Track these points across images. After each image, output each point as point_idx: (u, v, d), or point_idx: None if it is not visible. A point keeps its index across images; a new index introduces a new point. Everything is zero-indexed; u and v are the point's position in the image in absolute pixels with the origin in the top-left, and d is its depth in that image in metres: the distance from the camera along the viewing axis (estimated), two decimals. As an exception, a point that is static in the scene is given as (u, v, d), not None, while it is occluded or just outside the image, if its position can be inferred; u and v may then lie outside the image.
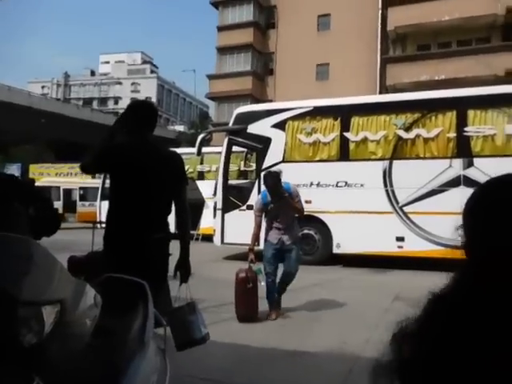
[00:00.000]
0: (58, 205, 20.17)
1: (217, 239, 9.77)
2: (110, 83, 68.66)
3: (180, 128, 51.73)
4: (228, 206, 9.60)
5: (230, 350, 3.99)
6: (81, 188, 22.58)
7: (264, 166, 9.25)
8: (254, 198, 9.24)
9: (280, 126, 9.37)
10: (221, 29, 29.07)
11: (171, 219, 2.77)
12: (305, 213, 5.36)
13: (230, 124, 10.01)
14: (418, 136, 8.49)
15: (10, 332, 1.05)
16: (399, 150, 8.64)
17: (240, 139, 9.71)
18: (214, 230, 9.87)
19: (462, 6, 20.27)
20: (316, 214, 8.65)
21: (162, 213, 2.76)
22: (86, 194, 22.21)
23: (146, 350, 1.56)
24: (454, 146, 8.28)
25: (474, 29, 21.12)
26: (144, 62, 73.87)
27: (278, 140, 9.30)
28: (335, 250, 8.97)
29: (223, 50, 28.93)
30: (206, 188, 12.69)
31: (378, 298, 5.96)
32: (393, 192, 8.53)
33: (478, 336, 0.57)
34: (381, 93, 21.82)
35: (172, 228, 2.81)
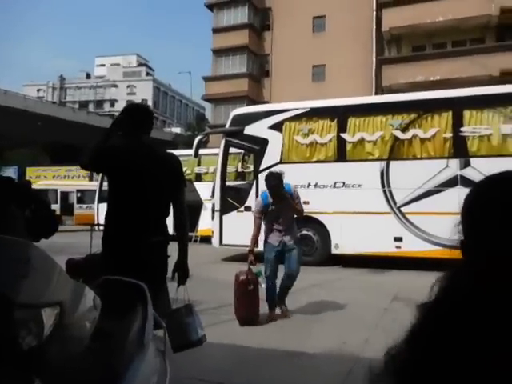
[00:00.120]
0: (56, 207, 20.10)
1: (215, 241, 9.77)
2: (106, 86, 68.60)
3: (177, 130, 51.72)
4: (226, 208, 9.60)
5: (229, 352, 3.99)
6: (78, 190, 22.52)
7: (261, 168, 9.28)
8: (252, 200, 9.28)
9: (277, 127, 9.38)
10: (216, 31, 29.07)
11: (169, 221, 2.77)
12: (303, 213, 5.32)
13: (227, 126, 10.01)
14: (414, 136, 8.51)
15: (9, 334, 1.04)
16: (396, 150, 8.66)
17: (237, 141, 9.72)
18: (212, 232, 9.87)
19: (456, 7, 20.35)
20: (314, 215, 8.65)
21: (161, 215, 2.75)
22: (84, 196, 22.15)
23: (145, 352, 1.56)
24: (450, 146, 8.31)
25: (468, 29, 21.20)
26: (140, 65, 73.85)
27: (275, 141, 9.31)
28: (334, 251, 8.98)
29: (219, 52, 28.93)
30: (203, 190, 12.68)
31: (377, 299, 5.97)
32: (390, 192, 8.54)
33: (478, 339, 0.57)
34: (377, 93, 21.87)
35: (170, 230, 2.80)
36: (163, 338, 1.99)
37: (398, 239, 8.42)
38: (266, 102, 23.34)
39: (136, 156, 2.71)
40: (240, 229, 9.10)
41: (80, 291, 1.45)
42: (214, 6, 29.13)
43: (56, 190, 21.72)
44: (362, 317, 5.09)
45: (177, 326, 2.51)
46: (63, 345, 1.20)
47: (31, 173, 28.58)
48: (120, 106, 46.81)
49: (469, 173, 7.89)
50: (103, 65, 73.76)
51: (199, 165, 15.14)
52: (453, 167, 8.14)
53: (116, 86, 67.88)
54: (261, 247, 5.26)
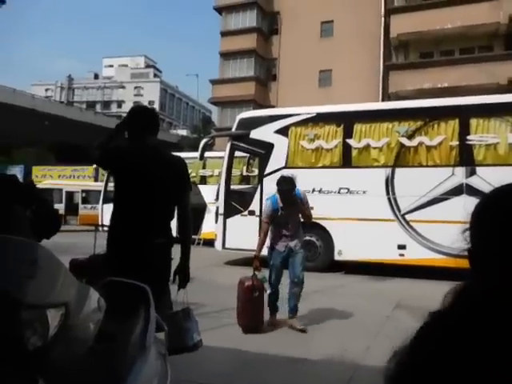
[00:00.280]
0: (60, 207, 20.19)
1: (218, 244, 9.76)
2: (114, 87, 68.95)
3: (183, 132, 51.90)
4: (230, 211, 9.60)
5: (231, 356, 3.99)
6: (83, 191, 22.59)
7: (266, 172, 9.28)
8: (256, 204, 9.29)
9: (283, 131, 9.38)
10: (224, 34, 29.19)
11: (173, 224, 2.78)
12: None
13: (233, 129, 10.03)
14: (420, 144, 8.49)
15: (15, 335, 1.05)
16: (402, 157, 8.63)
17: (243, 144, 9.73)
18: (216, 235, 9.86)
19: (465, 15, 20.33)
20: (318, 221, 8.62)
21: (165, 217, 2.76)
22: (89, 196, 22.22)
23: (147, 354, 1.56)
24: (456, 154, 8.27)
25: (476, 37, 21.16)
26: (147, 66, 74.24)
27: (281, 146, 9.32)
28: (337, 257, 8.95)
29: (226, 56, 29.04)
30: (208, 193, 12.70)
31: (379, 306, 5.95)
32: (395, 199, 8.51)
33: (485, 352, 0.56)
34: (383, 100, 21.85)
35: (173, 232, 2.82)
36: (164, 340, 1.99)
37: (402, 247, 8.38)
38: (273, 106, 23.41)
39: (142, 158, 2.72)
40: (243, 233, 9.12)
41: (85, 292, 1.46)
42: (223, 9, 29.26)
43: (61, 190, 21.80)
44: (364, 324, 5.07)
45: (173, 329, 2.52)
46: (67, 346, 1.21)
47: (37, 172, 28.71)
48: (127, 107, 46.98)
49: (474, 181, 7.84)
50: (111, 66, 74.19)
51: (204, 167, 15.16)
52: (458, 175, 8.10)
53: (123, 87, 68.23)
54: (264, 252, 5.11)
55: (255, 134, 9.50)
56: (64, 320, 1.18)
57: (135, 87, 68.31)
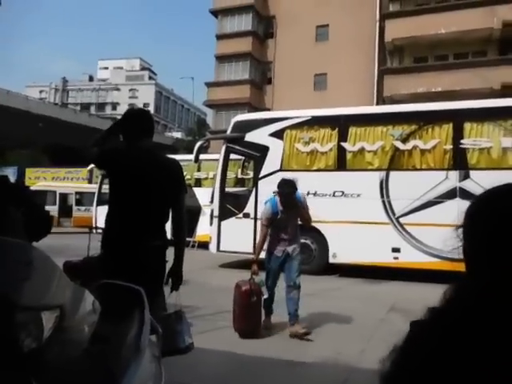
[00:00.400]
0: (54, 209, 20.09)
1: (213, 247, 9.75)
2: (108, 89, 68.77)
3: (177, 135, 51.83)
4: (224, 214, 9.60)
5: (225, 358, 3.98)
6: (77, 193, 22.48)
7: (261, 175, 9.30)
8: (251, 206, 9.30)
9: (278, 134, 9.40)
10: (220, 37, 29.24)
11: (167, 226, 2.78)
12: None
13: (228, 132, 10.04)
14: (414, 147, 8.54)
15: (9, 337, 1.05)
16: (396, 160, 8.68)
17: (238, 147, 9.74)
18: (210, 238, 9.85)
19: (459, 20, 20.52)
20: (312, 224, 8.63)
21: (160, 220, 2.76)
22: (82, 198, 22.10)
23: (141, 356, 1.56)
24: (450, 158, 8.33)
25: (470, 42, 21.36)
26: (143, 69, 74.12)
27: (276, 149, 9.33)
28: (331, 260, 8.97)
29: (222, 58, 29.07)
30: (202, 195, 12.69)
31: (374, 309, 5.96)
32: (389, 203, 8.55)
33: (480, 352, 0.56)
34: (378, 103, 21.97)
35: (168, 234, 2.82)
36: (158, 343, 1.99)
37: (396, 250, 8.41)
38: (268, 110, 23.47)
39: (137, 160, 2.73)
40: (238, 235, 9.13)
41: (80, 295, 1.46)
42: (219, 12, 29.32)
43: (55, 192, 21.68)
44: (358, 327, 5.08)
45: (165, 331, 2.52)
46: (62, 348, 1.20)
47: (30, 173, 28.58)
48: (122, 110, 46.90)
49: (468, 185, 7.90)
50: (106, 68, 74.03)
51: (199, 170, 15.16)
52: (452, 179, 8.16)
53: (118, 89, 68.07)
54: (261, 255, 5.01)
55: (250, 136, 9.52)
56: (59, 322, 1.17)
57: (130, 89, 68.16)
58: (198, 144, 10.28)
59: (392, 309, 5.92)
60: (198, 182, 15.08)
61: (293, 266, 4.80)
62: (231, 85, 28.02)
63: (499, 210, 0.66)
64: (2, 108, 31.34)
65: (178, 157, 11.09)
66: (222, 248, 9.60)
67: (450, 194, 8.07)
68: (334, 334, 4.86)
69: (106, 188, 14.24)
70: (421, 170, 8.51)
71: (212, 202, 10.03)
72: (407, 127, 8.68)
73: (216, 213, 9.70)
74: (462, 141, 8.24)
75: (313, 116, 9.44)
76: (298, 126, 9.40)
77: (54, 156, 33.18)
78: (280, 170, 9.12)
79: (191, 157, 10.23)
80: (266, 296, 4.82)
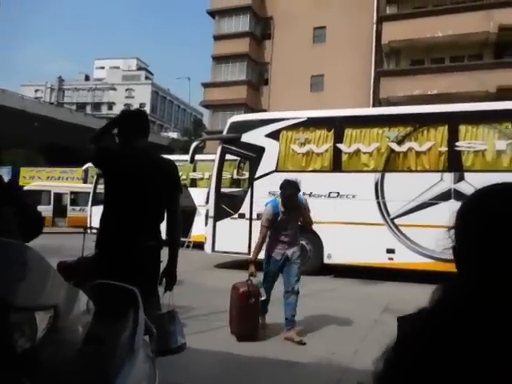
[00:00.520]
0: (49, 209, 20.00)
1: (208, 247, 9.75)
2: (105, 89, 68.57)
3: (173, 135, 51.70)
4: (220, 214, 9.59)
5: (219, 359, 3.98)
6: (72, 192, 22.37)
7: (257, 175, 9.31)
8: (247, 207, 9.30)
9: (274, 135, 9.42)
10: (217, 38, 29.25)
11: (162, 226, 2.78)
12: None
13: (224, 132, 10.04)
14: (410, 149, 8.58)
15: (3, 337, 1.04)
16: (391, 162, 8.71)
17: (234, 148, 9.74)
18: (205, 238, 9.84)
19: (455, 23, 20.63)
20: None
21: (156, 220, 2.77)
22: (77, 198, 22.00)
23: (135, 357, 1.55)
24: (445, 160, 8.37)
25: (466, 45, 21.48)
26: (139, 69, 73.95)
27: (272, 149, 9.35)
28: (326, 261, 8.98)
29: (219, 59, 29.08)
30: (198, 195, 12.68)
31: (368, 310, 5.98)
32: (384, 204, 8.58)
33: (471, 351, 0.57)
34: (374, 105, 22.05)
35: (162, 235, 2.82)
36: (151, 343, 1.98)
37: (391, 251, 8.45)
38: (264, 110, 23.49)
39: (133, 161, 2.73)
40: (233, 236, 9.12)
41: (74, 295, 1.46)
42: (216, 13, 29.33)
43: (49, 192, 21.57)
44: (352, 328, 5.10)
45: (158, 331, 2.52)
46: (56, 348, 1.20)
47: (25, 173, 28.42)
48: (118, 109, 46.76)
49: (462, 187, 7.94)
50: (103, 67, 73.78)
51: (195, 170, 15.16)
52: (447, 181, 8.20)
53: (114, 88, 67.86)
54: (260, 256, 4.94)
55: (246, 137, 9.53)
56: (53, 322, 1.17)
57: (126, 89, 67.96)
58: (193, 144, 10.29)
59: (386, 310, 5.94)
60: (194, 183, 15.07)
61: (292, 270, 4.70)
62: (228, 85, 28.03)
63: (489, 209, 0.67)
64: (-3, 107, 31.16)
65: (173, 157, 11.11)
66: (217, 248, 9.60)
67: (445, 196, 8.11)
68: (329, 334, 4.87)
69: (100, 188, 14.21)
70: (416, 171, 8.54)
71: (207, 202, 10.03)
72: (403, 129, 8.72)
73: (211, 213, 9.69)
74: (457, 143, 8.28)
75: (309, 117, 9.45)
76: (294, 127, 9.42)
77: (50, 155, 33.02)
78: (276, 170, 9.13)
79: (187, 157, 10.23)
80: (264, 297, 4.73)
